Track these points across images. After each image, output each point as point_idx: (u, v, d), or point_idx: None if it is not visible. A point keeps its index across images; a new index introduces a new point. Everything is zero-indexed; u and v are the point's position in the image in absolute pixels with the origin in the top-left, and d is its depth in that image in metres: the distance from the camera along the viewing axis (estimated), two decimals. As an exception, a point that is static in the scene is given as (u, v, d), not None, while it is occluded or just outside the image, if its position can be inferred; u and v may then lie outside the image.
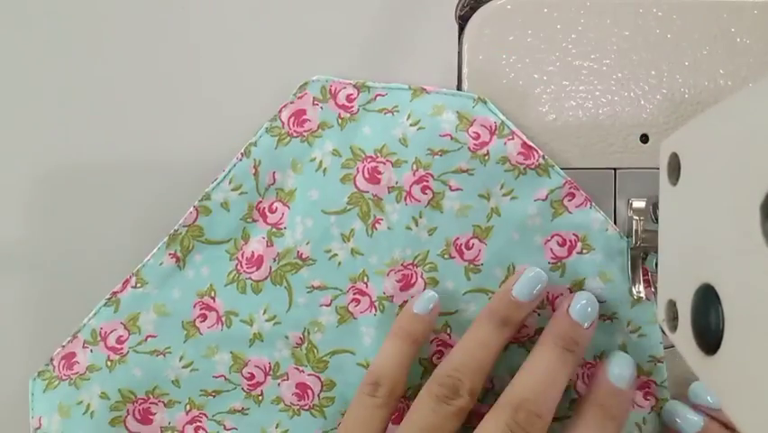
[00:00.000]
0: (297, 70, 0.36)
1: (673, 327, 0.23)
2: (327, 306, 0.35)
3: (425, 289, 0.35)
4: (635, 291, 0.34)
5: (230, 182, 0.35)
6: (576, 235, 0.34)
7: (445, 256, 0.35)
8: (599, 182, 0.36)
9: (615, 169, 0.36)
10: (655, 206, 0.34)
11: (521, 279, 0.33)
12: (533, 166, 0.34)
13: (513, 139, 0.34)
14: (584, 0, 0.36)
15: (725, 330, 0.19)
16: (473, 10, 0.37)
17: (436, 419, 0.30)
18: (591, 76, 0.36)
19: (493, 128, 0.34)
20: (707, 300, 0.20)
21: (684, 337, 0.21)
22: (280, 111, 0.35)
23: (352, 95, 0.35)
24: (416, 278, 0.35)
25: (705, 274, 0.20)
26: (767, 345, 0.17)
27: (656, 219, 0.33)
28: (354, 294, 0.35)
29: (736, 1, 0.35)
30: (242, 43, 0.37)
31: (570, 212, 0.34)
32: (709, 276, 0.20)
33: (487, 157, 0.34)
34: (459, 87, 0.36)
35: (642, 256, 0.34)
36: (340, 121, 0.35)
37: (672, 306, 0.23)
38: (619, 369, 0.33)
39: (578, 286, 0.35)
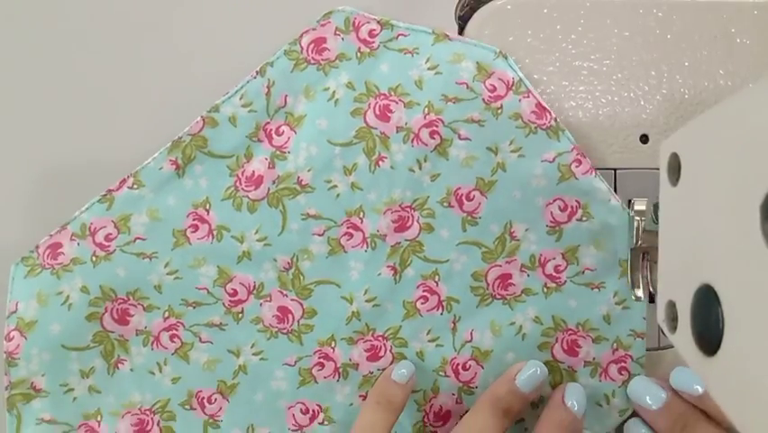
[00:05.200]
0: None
1: (673, 328, 0.23)
2: (320, 235, 0.35)
3: (419, 233, 0.35)
4: (634, 293, 0.34)
5: (241, 98, 0.35)
6: (578, 202, 0.34)
7: (444, 204, 0.35)
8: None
9: (615, 169, 0.36)
10: (656, 206, 0.34)
11: (527, 374, 0.34)
12: (544, 127, 0.34)
13: (528, 97, 0.34)
14: (584, 0, 0.36)
15: (725, 331, 0.19)
16: (473, 10, 0.37)
17: None
18: (591, 76, 0.36)
19: (510, 83, 0.34)
20: (707, 301, 0.20)
21: (684, 338, 0.21)
22: (301, 36, 0.35)
23: (374, 30, 0.35)
24: (412, 221, 0.35)
25: (705, 275, 0.20)
26: (767, 346, 0.17)
27: (657, 219, 0.33)
28: (348, 228, 0.35)
29: (736, 1, 0.35)
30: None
31: (576, 178, 0.34)
32: (709, 276, 0.20)
33: (500, 111, 0.34)
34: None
35: (642, 256, 0.34)
36: (359, 55, 0.35)
37: (671, 306, 0.23)
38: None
39: (571, 252, 0.35)
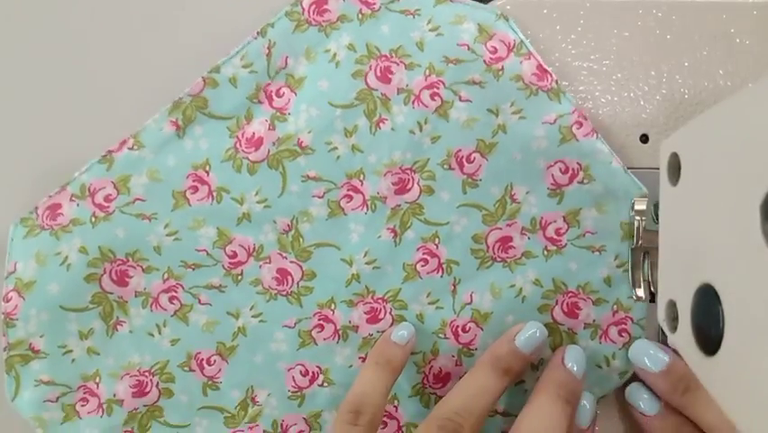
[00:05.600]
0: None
1: (673, 328, 0.23)
2: (319, 197, 0.35)
3: (419, 196, 0.35)
4: (635, 293, 0.34)
5: (241, 59, 0.35)
6: (579, 164, 0.34)
7: (445, 166, 0.35)
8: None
9: None
10: (656, 206, 0.34)
11: (527, 335, 0.34)
12: (545, 88, 0.34)
13: (529, 59, 0.34)
14: (584, 0, 0.36)
15: (725, 330, 0.19)
16: (474, 9, 0.37)
17: None
18: (591, 76, 0.36)
19: (511, 45, 0.34)
20: (707, 301, 0.20)
21: (684, 338, 0.21)
22: None
23: None
24: (413, 184, 0.35)
25: (705, 274, 0.20)
26: (767, 346, 0.17)
27: (657, 219, 0.33)
28: (348, 190, 0.35)
29: (736, 1, 0.36)
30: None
31: (577, 140, 0.34)
32: (709, 276, 0.20)
33: (501, 72, 0.34)
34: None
35: (642, 256, 0.34)
36: (360, 16, 0.35)
37: (672, 306, 0.23)
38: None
39: (572, 215, 0.35)
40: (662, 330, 0.32)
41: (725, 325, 0.19)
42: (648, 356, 0.33)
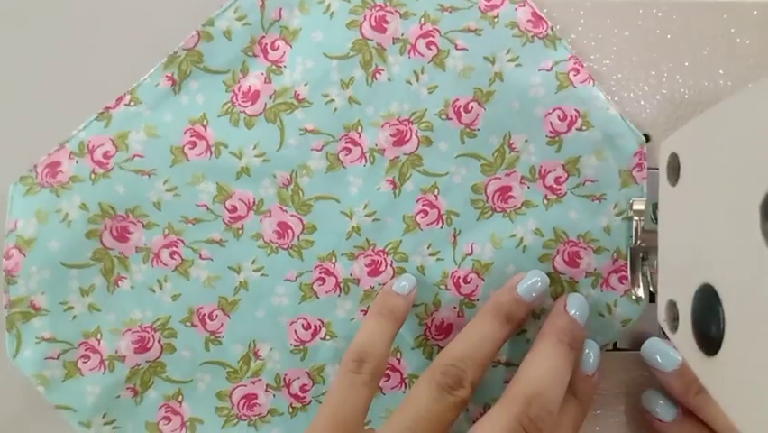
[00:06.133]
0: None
1: (674, 328, 0.23)
2: (318, 150, 0.35)
3: (417, 147, 0.35)
4: (634, 293, 0.34)
5: (235, 11, 0.35)
6: (577, 111, 0.34)
7: (442, 116, 0.35)
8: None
9: None
10: (655, 206, 0.34)
11: (528, 282, 0.34)
12: (541, 35, 0.34)
13: (524, 6, 0.34)
14: (584, 0, 0.36)
15: (725, 331, 0.19)
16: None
17: (438, 409, 0.29)
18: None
19: None
20: (707, 301, 0.20)
21: (685, 338, 0.21)
22: None
23: None
24: (411, 135, 0.35)
25: (705, 274, 0.20)
26: (767, 346, 0.16)
27: (656, 219, 0.33)
28: (346, 143, 0.35)
29: (736, 1, 0.36)
30: None
31: (574, 86, 0.34)
32: (709, 276, 0.20)
33: (496, 20, 0.34)
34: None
35: (642, 256, 0.34)
36: None
37: (672, 306, 0.23)
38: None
39: (572, 163, 0.35)
40: (662, 330, 0.31)
41: (725, 325, 0.19)
42: (661, 355, 0.33)
